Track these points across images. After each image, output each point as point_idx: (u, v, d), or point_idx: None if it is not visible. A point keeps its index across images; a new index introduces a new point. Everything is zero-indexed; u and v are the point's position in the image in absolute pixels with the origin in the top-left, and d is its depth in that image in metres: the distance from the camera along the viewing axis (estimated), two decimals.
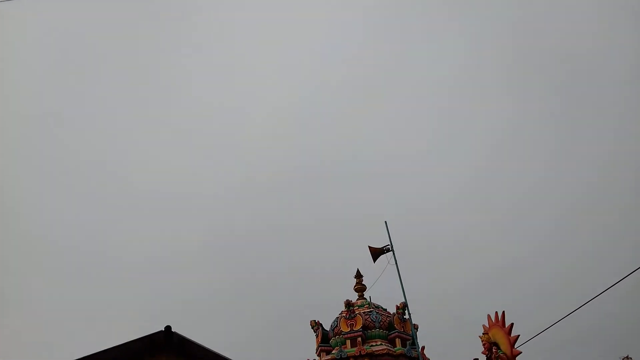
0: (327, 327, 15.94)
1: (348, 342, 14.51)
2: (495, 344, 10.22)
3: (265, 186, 49.90)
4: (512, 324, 10.16)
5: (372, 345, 14.22)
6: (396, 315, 15.25)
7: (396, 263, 16.15)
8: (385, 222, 16.96)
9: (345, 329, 14.86)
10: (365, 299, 16.81)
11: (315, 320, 15.97)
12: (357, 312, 15.30)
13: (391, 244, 16.63)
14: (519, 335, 10.01)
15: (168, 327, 9.93)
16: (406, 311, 15.27)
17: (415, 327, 15.35)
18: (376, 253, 16.90)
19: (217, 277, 44.37)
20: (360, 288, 17.10)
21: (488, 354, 10.22)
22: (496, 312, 10.67)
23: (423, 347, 14.87)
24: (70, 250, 42.11)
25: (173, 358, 10.23)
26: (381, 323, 15.16)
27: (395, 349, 14.19)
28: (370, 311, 15.57)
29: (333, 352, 14.36)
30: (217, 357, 10.05)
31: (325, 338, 15.53)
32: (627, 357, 15.84)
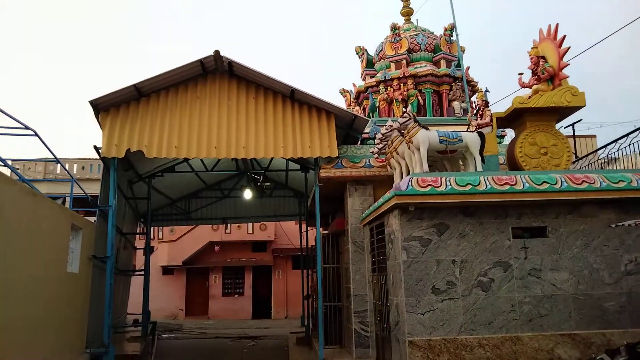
0: (372, 53, 15.95)
1: (392, 65, 14.61)
2: (543, 58, 9.88)
3: None
4: (565, 36, 9.53)
5: (416, 67, 14.33)
6: (443, 37, 14.81)
7: None
8: None
9: (390, 52, 14.80)
10: (412, 22, 16.22)
11: (360, 46, 15.87)
12: (402, 36, 14.97)
13: None
14: (569, 47, 9.51)
15: (217, 52, 10.27)
16: (454, 32, 14.79)
17: (462, 50, 15.05)
18: None
19: None
20: (407, 12, 16.31)
21: (534, 68, 10.00)
22: (549, 25, 9.99)
23: (468, 68, 14.90)
24: None
25: (225, 78, 10.89)
26: (427, 46, 14.92)
27: (439, 69, 14.28)
28: (417, 34, 15.18)
29: (377, 75, 14.68)
30: (264, 77, 10.59)
31: (370, 63, 15.69)
32: None
